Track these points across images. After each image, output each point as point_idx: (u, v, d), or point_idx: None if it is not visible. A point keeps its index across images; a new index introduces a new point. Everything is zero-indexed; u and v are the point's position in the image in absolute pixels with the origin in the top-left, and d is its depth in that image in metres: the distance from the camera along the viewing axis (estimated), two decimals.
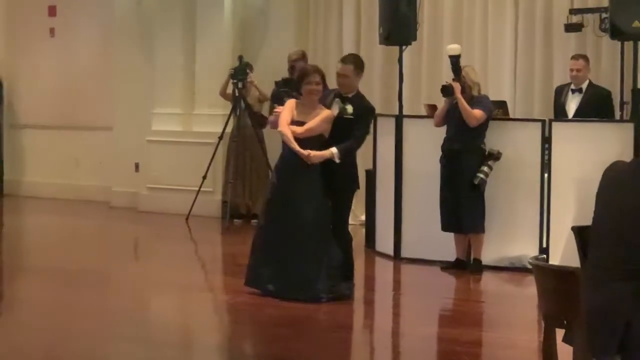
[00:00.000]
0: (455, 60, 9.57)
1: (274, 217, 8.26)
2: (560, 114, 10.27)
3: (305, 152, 8.10)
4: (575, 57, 10.45)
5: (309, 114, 8.25)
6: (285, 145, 8.33)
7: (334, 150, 8.12)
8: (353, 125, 8.23)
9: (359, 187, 8.57)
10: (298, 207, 8.12)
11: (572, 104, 10.27)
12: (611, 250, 4.29)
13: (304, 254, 8.09)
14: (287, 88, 10.45)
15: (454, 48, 9.70)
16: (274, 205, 8.31)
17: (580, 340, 4.21)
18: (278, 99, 10.63)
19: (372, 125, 8.51)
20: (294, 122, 8.23)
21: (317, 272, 8.08)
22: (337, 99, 8.30)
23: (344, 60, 8.53)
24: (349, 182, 8.32)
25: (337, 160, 8.12)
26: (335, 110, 8.25)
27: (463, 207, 9.40)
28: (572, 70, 10.35)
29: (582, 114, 10.07)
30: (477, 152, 9.42)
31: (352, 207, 8.59)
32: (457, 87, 9.43)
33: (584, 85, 10.29)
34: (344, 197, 8.30)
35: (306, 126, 8.18)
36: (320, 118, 8.20)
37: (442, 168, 9.57)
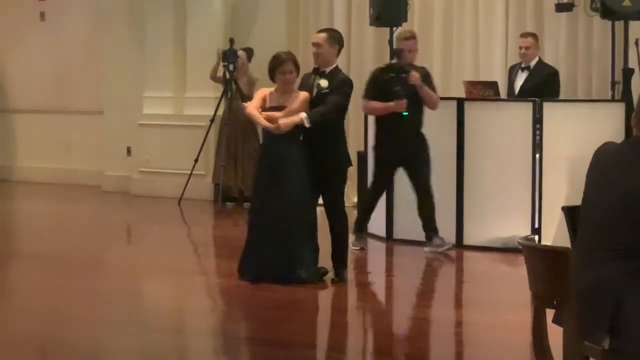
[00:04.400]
0: None
1: (260, 203, 8.25)
2: (510, 92, 10.32)
3: (274, 124, 8.04)
4: (523, 35, 10.50)
5: (285, 99, 8.19)
6: (264, 134, 8.33)
7: (302, 114, 7.99)
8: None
9: (351, 164, 8.47)
10: (283, 192, 8.06)
11: (519, 82, 10.31)
12: (600, 230, 4.30)
13: (289, 238, 8.05)
14: (393, 73, 9.42)
15: None
16: (259, 191, 8.30)
17: (570, 321, 4.21)
18: (382, 85, 9.41)
19: (349, 97, 8.34)
20: (270, 109, 8.18)
21: (301, 257, 8.07)
22: (315, 76, 8.21)
23: (320, 30, 8.48)
24: (337, 163, 8.21)
25: (307, 125, 7.96)
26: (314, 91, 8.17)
27: None
28: (520, 48, 10.41)
29: (526, 90, 10.13)
30: None
31: (345, 189, 8.52)
32: None
33: (533, 63, 10.32)
34: (334, 178, 8.22)
35: (287, 109, 8.10)
36: (300, 100, 8.14)
37: None
